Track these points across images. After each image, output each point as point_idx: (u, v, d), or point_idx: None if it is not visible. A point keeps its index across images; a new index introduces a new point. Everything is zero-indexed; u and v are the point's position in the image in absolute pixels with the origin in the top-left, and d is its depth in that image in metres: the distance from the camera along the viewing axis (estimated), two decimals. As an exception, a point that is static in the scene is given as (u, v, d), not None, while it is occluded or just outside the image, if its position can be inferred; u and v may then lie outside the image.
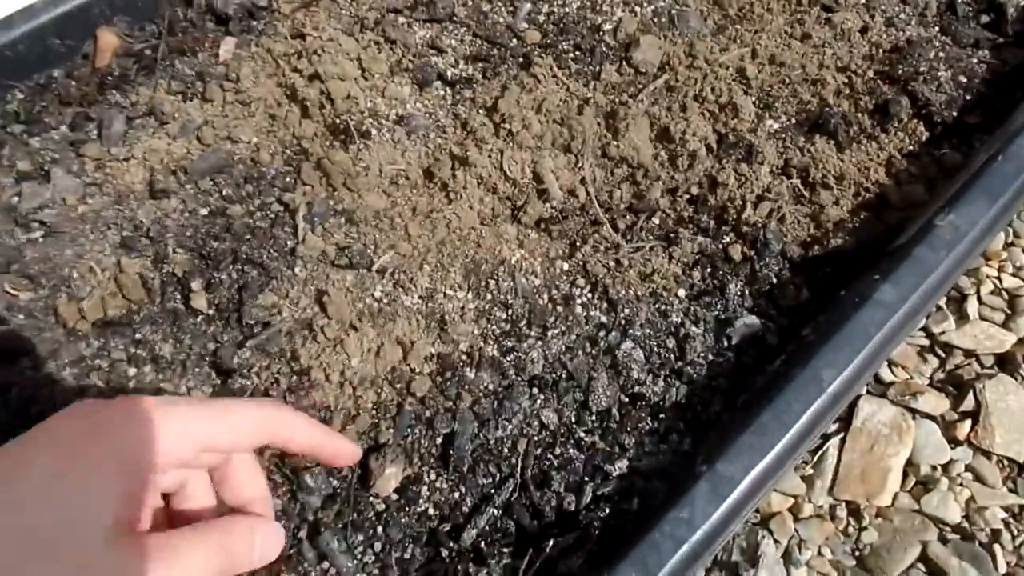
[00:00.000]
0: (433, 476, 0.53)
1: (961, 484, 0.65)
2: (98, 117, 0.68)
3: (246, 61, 0.69)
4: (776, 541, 0.62)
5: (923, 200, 0.60)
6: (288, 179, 0.63)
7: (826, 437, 0.69)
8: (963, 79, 0.66)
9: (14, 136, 0.68)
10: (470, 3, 0.72)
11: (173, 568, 0.30)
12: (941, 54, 0.67)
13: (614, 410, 0.53)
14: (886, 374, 0.72)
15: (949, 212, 0.54)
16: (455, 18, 0.70)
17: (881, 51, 0.67)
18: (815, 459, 0.68)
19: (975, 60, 0.68)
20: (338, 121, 0.63)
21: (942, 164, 0.62)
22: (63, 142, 0.68)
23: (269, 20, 0.73)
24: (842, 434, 0.69)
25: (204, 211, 0.62)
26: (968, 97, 0.65)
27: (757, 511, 0.66)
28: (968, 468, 0.66)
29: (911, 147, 0.63)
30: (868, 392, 0.71)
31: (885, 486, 0.65)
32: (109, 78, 0.71)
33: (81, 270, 0.61)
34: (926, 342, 0.74)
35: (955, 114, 0.64)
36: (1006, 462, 0.64)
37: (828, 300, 0.57)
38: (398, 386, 0.55)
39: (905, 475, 0.66)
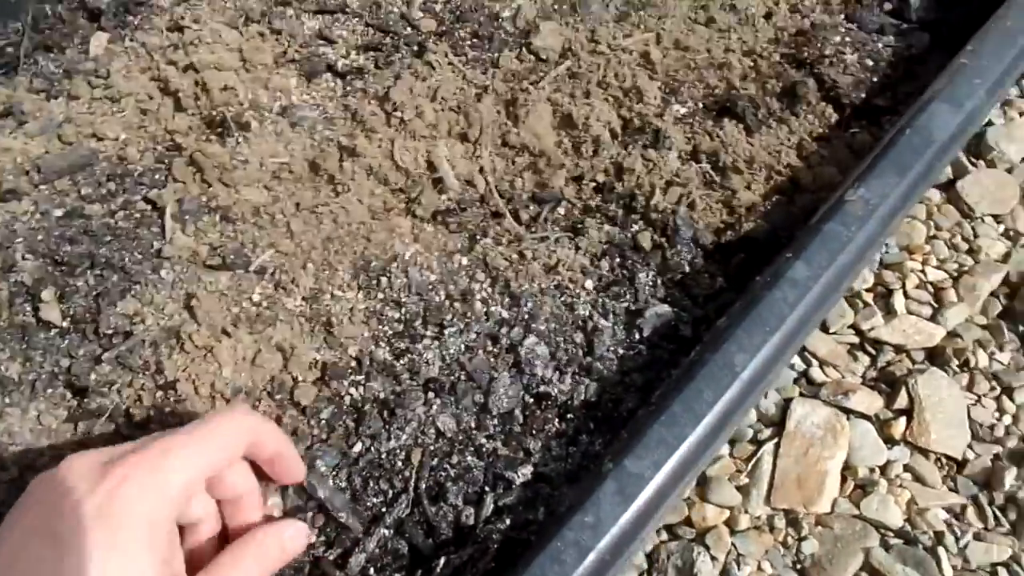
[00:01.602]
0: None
1: (900, 485, 0.62)
2: (-52, 119, 0.61)
3: (118, 56, 0.64)
4: (713, 557, 0.57)
5: (836, 181, 0.58)
6: (158, 176, 0.57)
7: (760, 443, 0.65)
8: (870, 62, 0.65)
9: None
10: (364, -8, 0.68)
11: None
12: (847, 38, 0.66)
13: (517, 412, 0.48)
14: (817, 374, 0.69)
15: (859, 187, 0.51)
16: (347, 8, 0.66)
17: (786, 35, 0.66)
18: (749, 467, 0.64)
19: (880, 44, 0.67)
20: (214, 113, 0.58)
21: (852, 146, 0.60)
22: (-95, 147, 0.60)
23: (146, 15, 0.68)
24: (776, 439, 0.65)
25: (59, 212, 0.55)
26: (875, 80, 0.64)
27: (691, 525, 0.62)
28: (906, 468, 0.63)
29: (821, 129, 0.61)
30: (801, 394, 0.68)
31: (823, 492, 0.62)
32: (-36, 78, 0.64)
33: (-85, 285, 0.53)
34: (856, 339, 0.71)
35: (863, 96, 0.63)
36: (944, 460, 0.61)
37: (743, 288, 0.53)
38: (278, 397, 0.49)
39: (843, 479, 0.63)
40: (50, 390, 0.50)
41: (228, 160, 0.56)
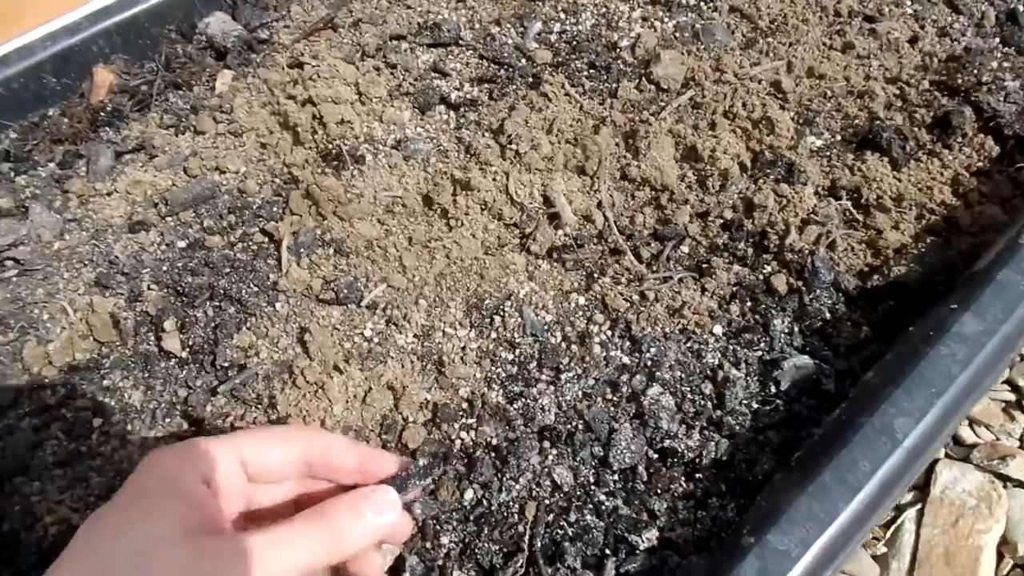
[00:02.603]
0: (428, 547, 0.44)
1: (1070, 570, 0.54)
2: (87, 153, 0.64)
3: (241, 92, 0.66)
4: (846, 639, 0.51)
5: (1000, 221, 0.51)
6: (275, 208, 0.57)
7: (900, 509, 0.59)
8: (1034, 89, 0.58)
9: (1, 175, 0.65)
10: (477, 26, 0.68)
11: (268, 560, 0.31)
12: (1005, 63, 0.60)
13: (640, 468, 0.45)
14: (967, 434, 0.62)
15: (1037, 229, 0.45)
16: (461, 41, 0.66)
17: (936, 61, 0.60)
18: (888, 534, 0.58)
19: (1045, 70, 0.60)
20: (330, 146, 0.58)
21: (1019, 182, 0.54)
22: (49, 179, 0.64)
23: (268, 52, 0.69)
24: (919, 505, 0.58)
25: (182, 244, 0.56)
26: (1042, 108, 0.57)
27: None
28: (1077, 551, 0.55)
29: (980, 164, 0.55)
30: (947, 455, 0.61)
31: (977, 570, 0.54)
32: (102, 114, 0.68)
33: (52, 310, 0.55)
34: (1011, 396, 0.64)
35: (1029, 127, 0.56)
36: (1124, 545, 0.53)
37: (894, 338, 0.48)
38: (386, 437, 0.47)
39: (999, 556, 0.56)
40: (168, 419, 0.51)
41: (343, 193, 0.55)
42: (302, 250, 0.54)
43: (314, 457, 0.37)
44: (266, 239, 0.56)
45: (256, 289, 0.53)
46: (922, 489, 0.59)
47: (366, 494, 0.36)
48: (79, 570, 0.30)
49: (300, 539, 0.33)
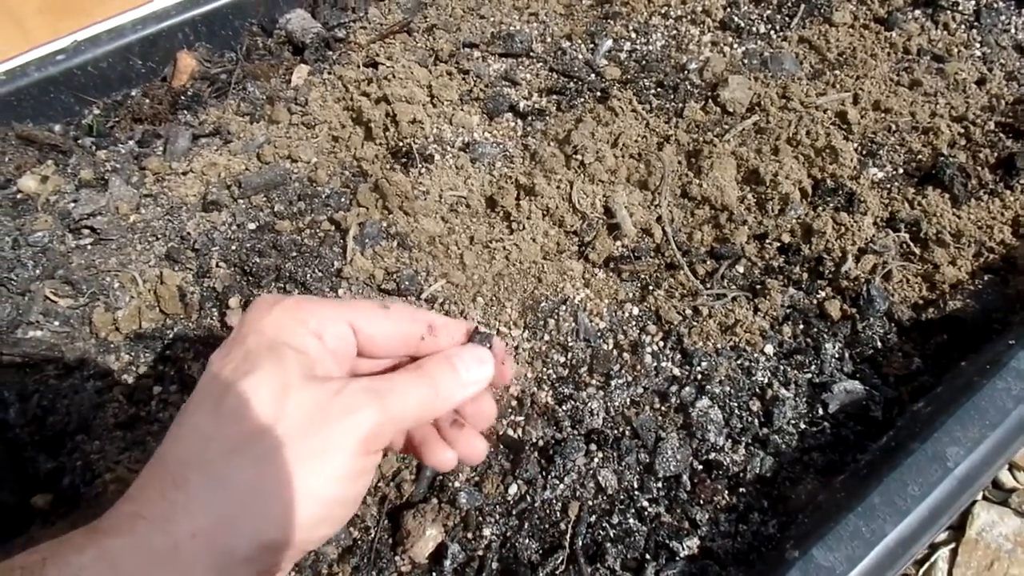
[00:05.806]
0: (470, 538, 0.45)
1: (1105, 620, 0.53)
2: (165, 134, 0.67)
3: (316, 87, 0.68)
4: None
5: (1060, 265, 0.51)
6: (343, 199, 0.59)
7: (934, 547, 0.58)
8: (1101, 138, 0.58)
9: (83, 148, 0.68)
10: (549, 40, 0.70)
11: (393, 401, 0.33)
12: (1073, 110, 0.60)
13: (685, 477, 0.45)
14: (1006, 478, 0.62)
15: (1100, 274, 0.45)
16: (532, 53, 0.68)
17: (1003, 103, 0.60)
18: (921, 572, 0.57)
19: (1113, 119, 0.60)
20: (401, 144, 0.60)
21: (1080, 228, 0.54)
22: (128, 155, 0.67)
23: (344, 51, 0.72)
24: (953, 545, 0.58)
25: (252, 225, 0.59)
26: (1108, 158, 0.57)
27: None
28: (1113, 601, 0.54)
29: (1042, 207, 0.55)
30: (985, 498, 0.61)
31: (1009, 614, 0.54)
32: (182, 98, 0.71)
33: (123, 280, 0.58)
34: (1052, 443, 0.63)
35: (1094, 175, 0.56)
36: None
37: (944, 371, 0.48)
38: (437, 428, 0.48)
39: (1033, 603, 0.55)
40: (225, 392, 0.52)
41: (410, 189, 0.57)
42: (367, 241, 0.56)
43: (421, 333, 0.38)
44: (333, 227, 0.58)
45: (321, 274, 0.55)
46: (956, 529, 0.59)
47: (460, 352, 0.37)
48: (210, 415, 0.31)
49: (411, 387, 0.34)
